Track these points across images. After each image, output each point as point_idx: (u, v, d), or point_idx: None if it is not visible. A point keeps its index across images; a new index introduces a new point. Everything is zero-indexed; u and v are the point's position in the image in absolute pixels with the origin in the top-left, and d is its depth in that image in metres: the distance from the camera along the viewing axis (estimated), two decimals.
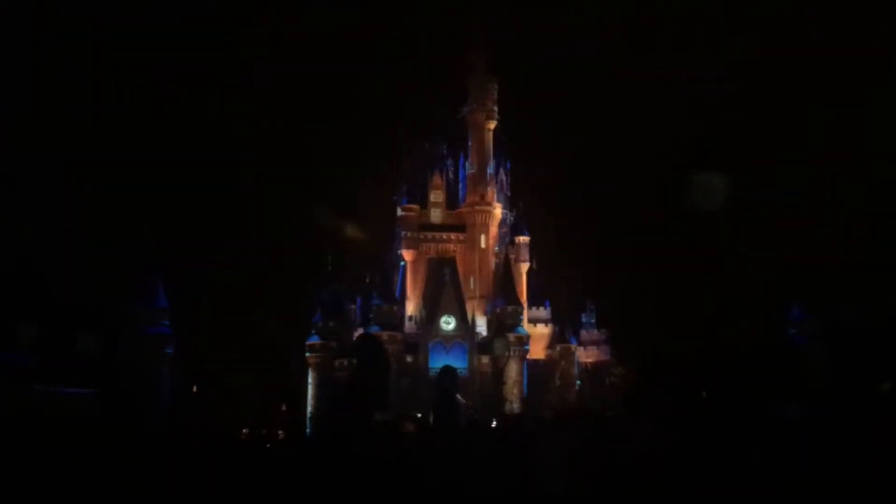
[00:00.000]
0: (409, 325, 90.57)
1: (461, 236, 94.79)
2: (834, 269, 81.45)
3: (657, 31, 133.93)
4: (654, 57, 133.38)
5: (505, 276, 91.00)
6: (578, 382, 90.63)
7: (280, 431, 76.22)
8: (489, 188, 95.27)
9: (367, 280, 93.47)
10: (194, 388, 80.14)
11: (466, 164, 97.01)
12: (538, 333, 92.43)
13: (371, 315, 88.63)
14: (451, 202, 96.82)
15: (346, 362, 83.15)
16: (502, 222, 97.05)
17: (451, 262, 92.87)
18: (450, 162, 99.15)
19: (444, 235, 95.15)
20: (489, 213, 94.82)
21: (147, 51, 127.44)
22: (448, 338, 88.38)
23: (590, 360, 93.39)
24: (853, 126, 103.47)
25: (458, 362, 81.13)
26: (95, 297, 78.35)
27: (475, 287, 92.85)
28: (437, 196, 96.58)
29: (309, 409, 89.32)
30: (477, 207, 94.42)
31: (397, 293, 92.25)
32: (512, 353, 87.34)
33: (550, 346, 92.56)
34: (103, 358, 71.18)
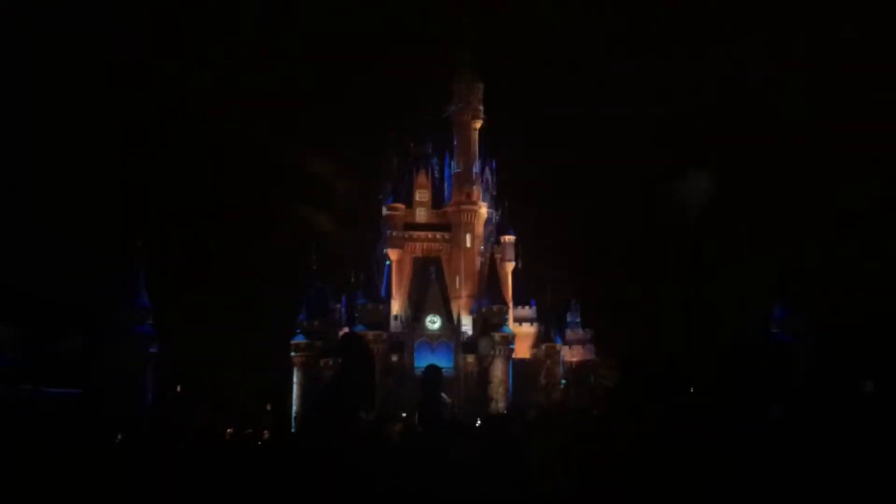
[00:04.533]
0: (394, 325, 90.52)
1: (446, 235, 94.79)
2: (817, 268, 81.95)
3: (644, 30, 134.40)
4: (640, 56, 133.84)
5: (490, 275, 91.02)
6: (563, 382, 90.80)
7: (265, 431, 75.95)
8: (475, 187, 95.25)
9: (353, 279, 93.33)
10: (178, 388, 79.81)
11: (452, 163, 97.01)
12: (523, 333, 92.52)
13: (356, 314, 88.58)
14: (437, 201, 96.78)
15: (331, 361, 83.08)
16: (488, 221, 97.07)
17: (437, 261, 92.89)
18: (435, 161, 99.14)
19: (430, 234, 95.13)
20: (475, 213, 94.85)
21: (129, 46, 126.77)
22: (433, 337, 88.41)
23: (575, 359, 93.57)
24: (836, 127, 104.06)
25: (443, 362, 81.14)
26: (79, 296, 77.93)
27: (460, 286, 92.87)
28: (422, 195, 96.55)
29: (294, 408, 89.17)
30: (462, 207, 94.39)
31: (382, 292, 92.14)
32: (497, 352, 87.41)
33: (535, 345, 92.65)
34: (87, 358, 70.86)
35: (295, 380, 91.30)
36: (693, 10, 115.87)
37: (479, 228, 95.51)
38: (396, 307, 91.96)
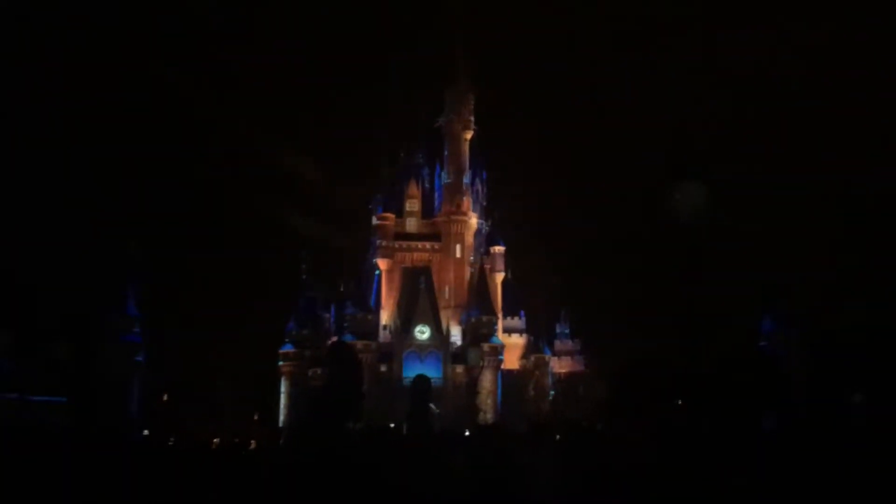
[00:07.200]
0: (383, 334, 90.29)
1: (436, 245, 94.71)
2: (807, 281, 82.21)
3: (635, 44, 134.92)
4: (632, 69, 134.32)
5: (480, 285, 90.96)
6: (552, 393, 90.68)
7: (252, 441, 75.44)
8: (465, 198, 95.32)
9: (342, 288, 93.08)
10: (165, 397, 79.31)
11: (443, 173, 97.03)
12: (512, 343, 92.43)
13: (345, 324, 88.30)
14: (427, 211, 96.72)
15: (319, 371, 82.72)
16: (478, 232, 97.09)
17: (426, 271, 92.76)
18: (426, 171, 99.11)
19: (420, 244, 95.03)
20: (465, 223, 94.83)
21: (127, 53, 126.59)
22: (422, 347, 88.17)
23: (564, 370, 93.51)
24: (828, 140, 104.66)
25: (432, 372, 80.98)
26: (67, 304, 77.52)
27: (450, 296, 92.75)
28: (412, 205, 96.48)
29: (282, 417, 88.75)
30: (453, 217, 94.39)
31: (372, 302, 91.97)
32: (486, 363, 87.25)
33: (525, 356, 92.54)
34: (74, 366, 70.45)
35: (282, 389, 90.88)
36: (689, 21, 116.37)
37: (469, 239, 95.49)
38: (385, 317, 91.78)
